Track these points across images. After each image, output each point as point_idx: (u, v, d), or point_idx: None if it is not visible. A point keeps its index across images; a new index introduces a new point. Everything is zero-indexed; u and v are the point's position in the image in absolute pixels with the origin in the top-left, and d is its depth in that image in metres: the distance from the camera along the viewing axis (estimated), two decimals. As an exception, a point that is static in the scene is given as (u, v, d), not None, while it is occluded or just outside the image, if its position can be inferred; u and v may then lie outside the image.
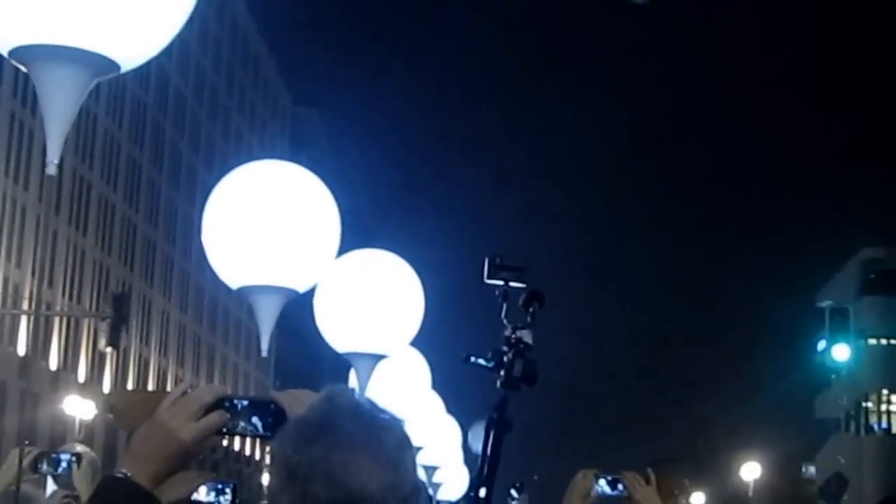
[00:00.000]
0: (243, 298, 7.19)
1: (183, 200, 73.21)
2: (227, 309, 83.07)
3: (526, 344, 3.32)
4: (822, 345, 48.21)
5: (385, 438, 2.17)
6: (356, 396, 2.24)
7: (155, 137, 70.44)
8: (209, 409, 2.44)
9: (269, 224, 6.92)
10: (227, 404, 2.45)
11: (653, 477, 4.69)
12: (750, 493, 54.10)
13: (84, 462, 5.71)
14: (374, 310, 8.25)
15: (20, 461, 5.50)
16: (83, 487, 5.60)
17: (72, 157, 56.76)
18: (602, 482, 4.71)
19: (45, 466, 5.72)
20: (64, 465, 5.69)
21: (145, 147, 68.86)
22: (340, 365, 8.94)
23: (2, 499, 5.56)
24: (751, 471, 56.33)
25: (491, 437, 3.25)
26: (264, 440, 2.45)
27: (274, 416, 2.43)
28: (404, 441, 2.21)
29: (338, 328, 8.35)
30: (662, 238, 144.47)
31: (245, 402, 2.47)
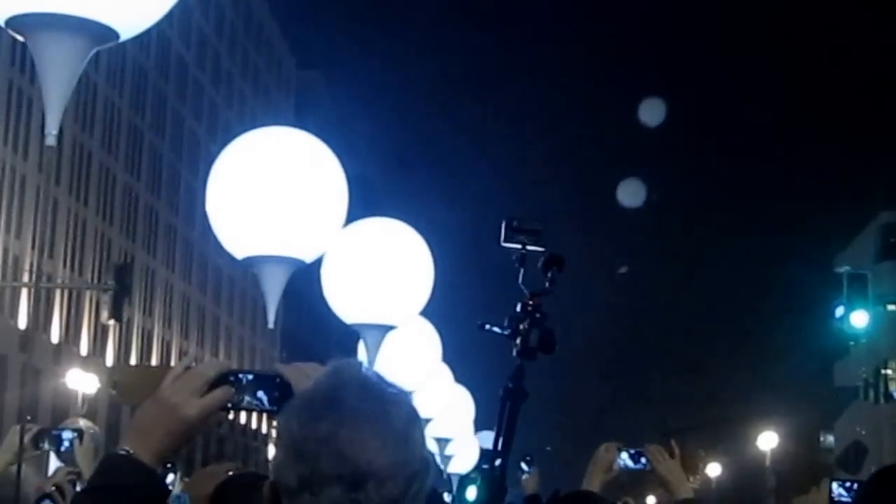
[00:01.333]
0: (248, 269, 7.14)
1: (186, 168, 73.08)
2: (233, 279, 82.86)
3: (543, 312, 3.23)
4: (839, 311, 47.96)
5: (393, 413, 2.12)
6: (363, 370, 2.20)
7: (156, 104, 70.19)
8: (213, 384, 2.46)
9: (275, 193, 6.83)
10: (231, 379, 2.47)
11: (677, 450, 4.60)
12: (767, 463, 54.13)
13: (86, 438, 5.71)
14: (383, 280, 8.17)
15: (21, 438, 5.43)
16: (85, 464, 5.59)
17: (72, 125, 56.59)
18: (625, 455, 4.64)
19: (46, 444, 5.69)
20: (66, 443, 5.67)
21: (147, 114, 68.64)
22: (349, 336, 8.86)
23: (1, 477, 5.51)
24: (768, 440, 56.26)
25: (507, 407, 3.17)
26: (270, 414, 2.45)
27: (279, 390, 2.44)
28: (413, 415, 2.16)
29: (346, 299, 8.28)
30: (677, 205, 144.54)
31: (250, 377, 2.48)
